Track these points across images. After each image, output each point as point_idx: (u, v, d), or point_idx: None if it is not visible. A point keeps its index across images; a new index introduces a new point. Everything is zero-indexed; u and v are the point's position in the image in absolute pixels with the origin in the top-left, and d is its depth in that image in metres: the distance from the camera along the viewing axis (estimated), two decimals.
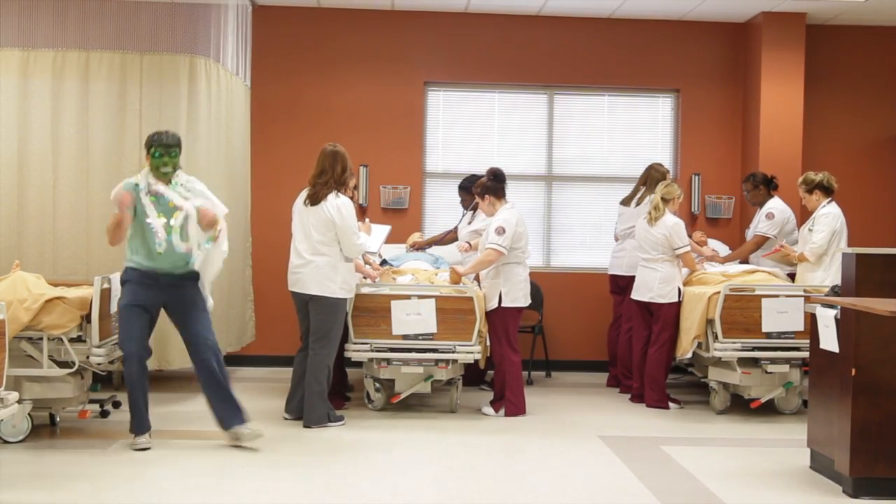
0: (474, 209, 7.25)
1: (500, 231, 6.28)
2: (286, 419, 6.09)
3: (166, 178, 5.27)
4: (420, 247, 7.63)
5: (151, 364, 6.52)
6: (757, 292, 6.38)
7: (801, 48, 8.20)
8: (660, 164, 7.43)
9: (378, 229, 7.02)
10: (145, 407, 5.31)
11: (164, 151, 5.23)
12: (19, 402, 4.53)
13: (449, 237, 7.67)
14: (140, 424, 5.30)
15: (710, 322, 6.38)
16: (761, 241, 7.27)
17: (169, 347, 6.56)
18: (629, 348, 7.15)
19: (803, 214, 7.39)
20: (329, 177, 5.93)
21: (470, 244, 6.99)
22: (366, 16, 8.35)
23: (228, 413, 5.40)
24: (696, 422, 6.39)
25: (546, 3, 8.09)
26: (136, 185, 5.25)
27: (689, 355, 6.60)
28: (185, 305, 5.37)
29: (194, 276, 5.35)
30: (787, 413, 6.58)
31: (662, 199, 6.74)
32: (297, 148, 7.94)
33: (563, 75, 8.53)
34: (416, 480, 4.82)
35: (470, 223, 7.27)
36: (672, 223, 6.68)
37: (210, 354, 5.36)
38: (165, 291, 5.31)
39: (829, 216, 6.65)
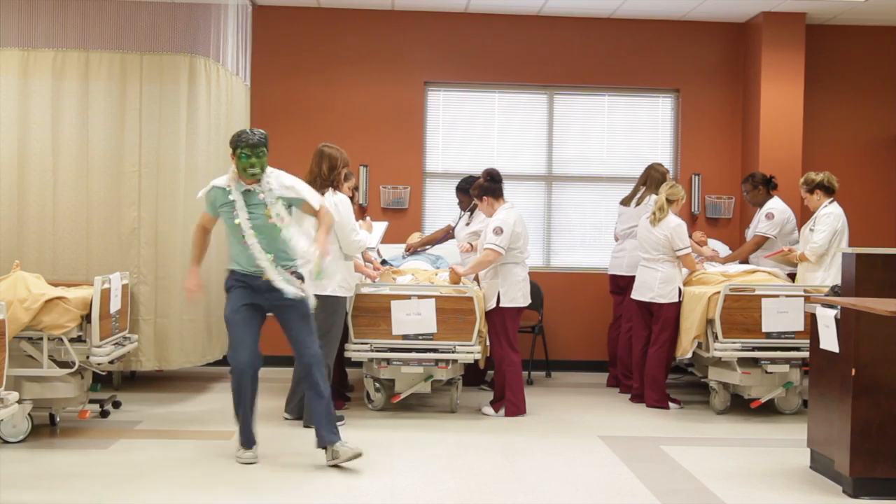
0: (472, 210, 7.24)
1: (498, 231, 6.28)
2: (286, 419, 6.09)
3: (255, 179, 4.98)
4: (415, 249, 7.61)
5: (151, 364, 6.55)
6: (757, 292, 6.38)
7: (801, 48, 8.20)
8: (659, 164, 7.43)
9: (376, 226, 7.03)
10: (253, 420, 5.08)
11: (250, 152, 4.92)
12: (19, 402, 4.52)
13: (446, 234, 7.63)
14: (247, 439, 5.08)
15: (710, 322, 6.38)
16: (761, 241, 7.27)
17: (169, 347, 6.57)
18: (629, 348, 7.15)
19: (804, 214, 7.39)
20: (316, 175, 5.94)
21: (472, 245, 6.98)
22: (366, 16, 8.35)
23: (324, 428, 5.01)
24: (696, 422, 6.39)
25: (546, 3, 8.09)
26: (225, 189, 5.00)
27: (689, 355, 6.60)
28: (283, 308, 5.05)
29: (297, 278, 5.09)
30: (787, 413, 6.58)
31: (667, 199, 6.74)
32: (297, 148, 7.92)
33: (563, 75, 8.53)
34: (416, 480, 4.82)
35: (468, 224, 7.25)
36: (674, 224, 6.68)
37: (310, 362, 5.03)
38: (264, 295, 5.03)
39: (830, 216, 6.65)
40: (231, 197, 5.00)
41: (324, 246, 4.97)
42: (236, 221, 4.97)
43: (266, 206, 4.99)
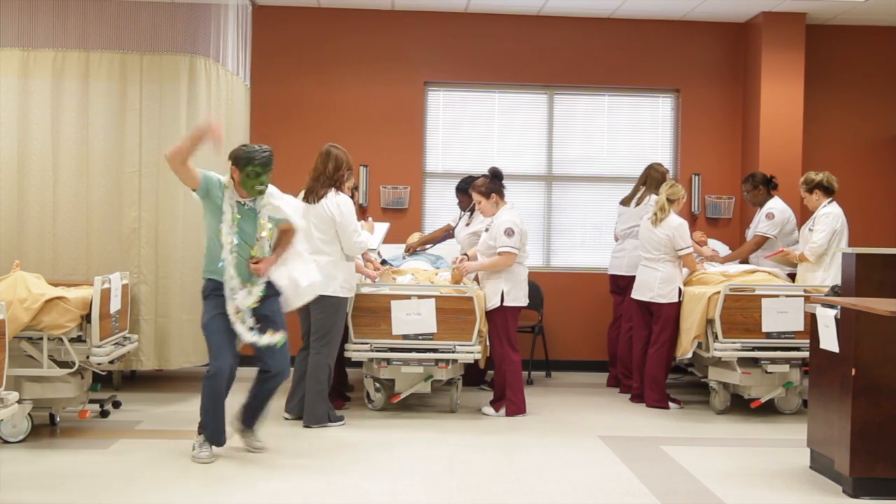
0: (471, 211, 7.23)
1: (510, 233, 6.27)
2: (286, 419, 6.09)
3: (258, 195, 5.10)
4: (414, 249, 7.60)
5: (151, 364, 6.56)
6: (757, 292, 6.38)
7: (801, 48, 8.20)
8: (659, 164, 7.43)
9: (378, 226, 7.03)
10: (224, 420, 5.17)
11: (261, 170, 5.02)
12: (19, 402, 4.52)
13: (446, 234, 7.61)
14: (220, 437, 5.15)
15: (710, 322, 6.38)
16: (761, 241, 7.27)
17: (169, 347, 6.57)
18: (629, 348, 7.15)
19: (804, 214, 7.39)
20: (321, 173, 5.96)
21: (468, 256, 6.90)
22: (366, 16, 8.35)
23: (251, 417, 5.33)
24: (696, 422, 6.39)
25: (546, 3, 8.09)
26: (223, 184, 5.09)
27: (689, 355, 6.60)
28: (259, 318, 5.13)
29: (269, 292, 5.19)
30: (787, 413, 6.58)
31: (668, 199, 6.74)
32: (297, 148, 7.93)
33: (563, 75, 8.53)
34: (416, 480, 4.82)
35: (468, 225, 7.24)
36: (676, 224, 6.68)
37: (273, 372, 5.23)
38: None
39: (829, 216, 6.65)
40: (219, 200, 5.05)
41: (266, 267, 5.12)
42: (220, 226, 5.03)
43: (258, 220, 5.11)
